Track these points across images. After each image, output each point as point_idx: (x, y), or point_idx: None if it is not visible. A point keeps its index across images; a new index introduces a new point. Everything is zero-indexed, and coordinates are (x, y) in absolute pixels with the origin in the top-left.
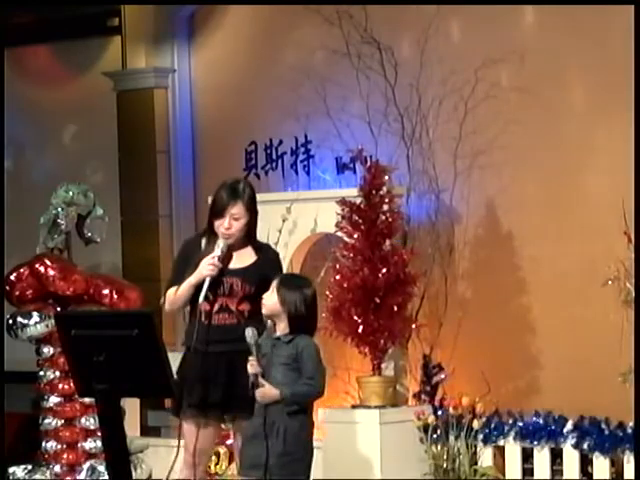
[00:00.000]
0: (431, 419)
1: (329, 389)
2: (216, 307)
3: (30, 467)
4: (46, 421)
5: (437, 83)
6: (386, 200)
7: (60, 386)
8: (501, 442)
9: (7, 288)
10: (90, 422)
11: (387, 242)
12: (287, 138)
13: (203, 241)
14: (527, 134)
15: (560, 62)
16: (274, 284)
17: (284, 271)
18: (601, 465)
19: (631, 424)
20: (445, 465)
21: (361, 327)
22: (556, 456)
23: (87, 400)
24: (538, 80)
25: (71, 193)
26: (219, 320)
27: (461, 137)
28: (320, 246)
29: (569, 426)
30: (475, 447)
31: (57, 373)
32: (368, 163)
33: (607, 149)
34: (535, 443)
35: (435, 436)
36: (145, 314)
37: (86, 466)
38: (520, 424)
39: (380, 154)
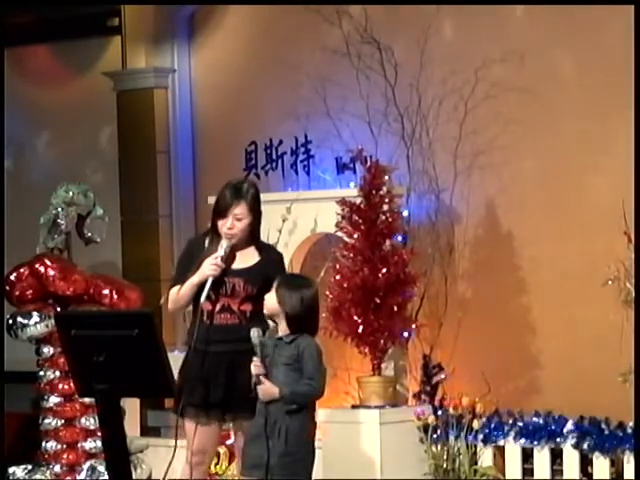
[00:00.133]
0: (431, 419)
1: (329, 389)
2: (218, 307)
3: (30, 467)
4: (46, 421)
5: (437, 83)
6: (386, 200)
7: (60, 386)
8: (501, 442)
9: (7, 288)
10: (90, 422)
11: (387, 242)
12: (287, 138)
13: (207, 241)
14: (527, 134)
15: (560, 62)
16: (274, 284)
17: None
18: (601, 465)
19: (631, 424)
20: (445, 465)
21: (361, 327)
22: (556, 456)
23: (87, 400)
24: (538, 80)
25: (71, 193)
26: (221, 320)
27: (461, 137)
28: (320, 246)
29: (569, 426)
30: (475, 447)
31: (57, 373)
32: (368, 163)
33: (607, 149)
34: (535, 443)
35: (435, 436)
36: (145, 314)
37: (86, 466)
38: (520, 424)
39: (380, 154)
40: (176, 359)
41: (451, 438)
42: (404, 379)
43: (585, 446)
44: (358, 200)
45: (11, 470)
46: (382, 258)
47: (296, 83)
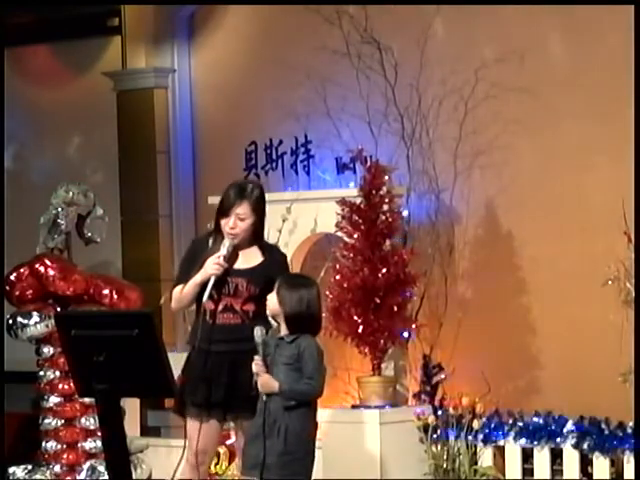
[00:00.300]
0: (431, 419)
1: (329, 389)
2: (220, 307)
3: (30, 467)
4: (46, 421)
5: (437, 83)
6: (386, 200)
7: (60, 386)
8: (501, 442)
9: (7, 288)
10: (90, 422)
11: (387, 242)
12: (287, 138)
13: (210, 240)
14: (527, 134)
15: (560, 62)
16: (276, 284)
17: None
18: (601, 465)
19: (631, 424)
20: (445, 465)
21: (361, 327)
22: (556, 456)
23: (87, 400)
24: (538, 80)
25: (71, 193)
26: (223, 319)
27: (461, 137)
28: (320, 246)
29: (569, 426)
30: (475, 447)
31: (57, 373)
32: (368, 163)
33: (607, 149)
34: (535, 443)
35: (435, 436)
36: (145, 314)
37: (86, 466)
38: (520, 424)
39: (380, 154)
40: (176, 359)
41: (451, 438)
42: (404, 379)
43: (585, 446)
44: (358, 200)
45: (11, 470)
46: (382, 258)
47: (296, 83)
